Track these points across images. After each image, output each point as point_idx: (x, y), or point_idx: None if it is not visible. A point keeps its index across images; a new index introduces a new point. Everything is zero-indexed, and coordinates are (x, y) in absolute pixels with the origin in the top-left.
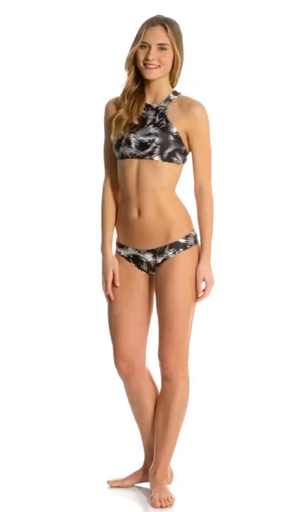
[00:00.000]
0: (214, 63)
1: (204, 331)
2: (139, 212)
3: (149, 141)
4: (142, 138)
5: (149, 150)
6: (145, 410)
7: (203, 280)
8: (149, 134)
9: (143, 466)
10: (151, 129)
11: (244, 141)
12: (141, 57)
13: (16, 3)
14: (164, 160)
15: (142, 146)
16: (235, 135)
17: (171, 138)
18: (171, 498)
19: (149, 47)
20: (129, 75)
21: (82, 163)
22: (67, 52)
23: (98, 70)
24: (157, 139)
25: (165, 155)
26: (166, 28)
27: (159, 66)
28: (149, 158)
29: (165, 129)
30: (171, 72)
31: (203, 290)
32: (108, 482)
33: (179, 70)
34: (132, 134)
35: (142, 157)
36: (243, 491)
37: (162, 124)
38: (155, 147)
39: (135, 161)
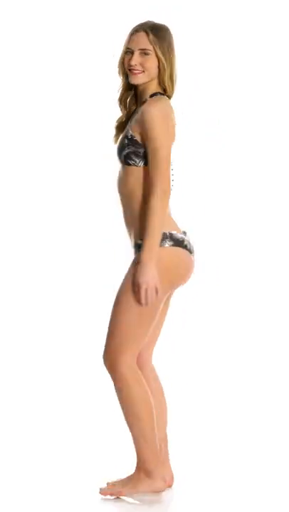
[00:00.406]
0: (213, 66)
1: (203, 330)
2: (123, 214)
3: (117, 146)
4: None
5: (117, 154)
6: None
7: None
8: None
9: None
10: (122, 134)
11: (244, 143)
12: (126, 62)
13: (16, 4)
14: (123, 163)
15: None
16: (234, 137)
17: (126, 141)
18: (116, 494)
19: (132, 52)
20: (122, 80)
21: (81, 164)
22: (67, 54)
23: (98, 71)
24: (118, 144)
25: (122, 158)
26: (147, 34)
27: (143, 71)
28: (119, 163)
29: (124, 133)
30: (159, 79)
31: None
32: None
33: (168, 74)
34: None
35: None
36: (243, 493)
37: (126, 127)
38: (117, 151)
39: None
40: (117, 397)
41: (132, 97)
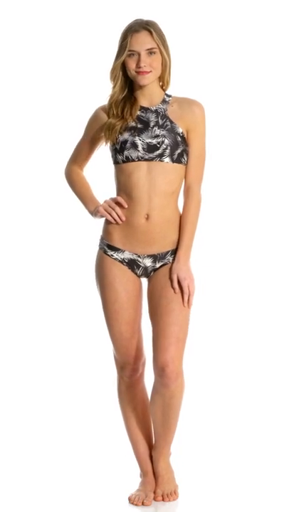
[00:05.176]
0: (209, 64)
1: (203, 330)
2: (148, 216)
3: (158, 142)
4: (149, 140)
5: (158, 152)
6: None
7: (178, 279)
8: (157, 136)
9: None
10: (157, 131)
11: (240, 141)
12: (132, 65)
13: (15, 4)
14: (173, 161)
15: (151, 148)
16: (230, 136)
17: (179, 138)
18: (174, 492)
19: (138, 54)
20: (116, 85)
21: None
22: (65, 54)
23: (93, 74)
24: (166, 141)
25: (175, 156)
26: (151, 32)
27: (151, 71)
28: (159, 160)
29: (171, 130)
30: (160, 75)
31: (182, 289)
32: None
33: (168, 71)
34: (138, 137)
35: (151, 159)
36: (244, 493)
37: (167, 125)
38: (165, 149)
39: (143, 163)
40: (172, 403)
41: (127, 96)
